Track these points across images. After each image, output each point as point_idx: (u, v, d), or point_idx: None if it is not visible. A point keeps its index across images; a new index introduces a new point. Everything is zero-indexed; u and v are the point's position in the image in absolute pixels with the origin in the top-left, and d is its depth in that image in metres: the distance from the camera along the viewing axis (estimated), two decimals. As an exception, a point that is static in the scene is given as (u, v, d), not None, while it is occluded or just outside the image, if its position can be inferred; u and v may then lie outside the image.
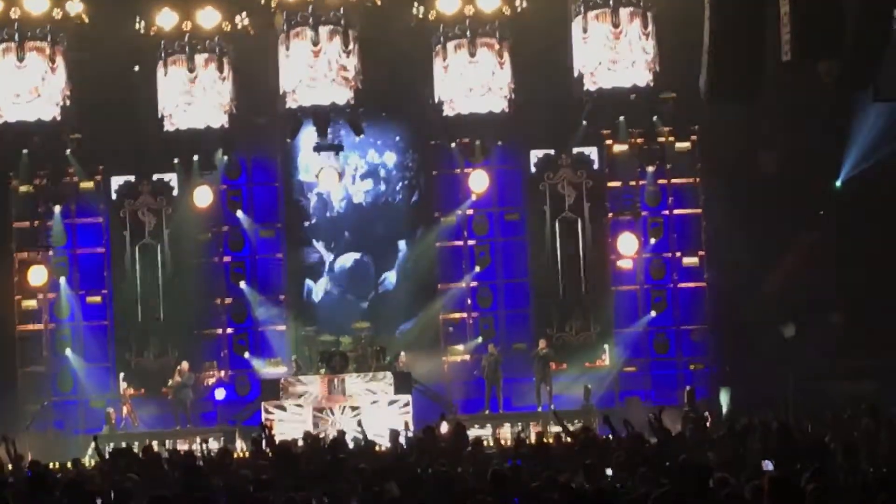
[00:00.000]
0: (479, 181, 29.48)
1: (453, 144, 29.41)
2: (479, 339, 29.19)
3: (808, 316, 27.47)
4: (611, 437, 16.94)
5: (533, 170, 29.86)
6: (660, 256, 29.48)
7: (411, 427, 24.36)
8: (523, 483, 12.19)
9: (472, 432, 22.28)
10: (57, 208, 29.36)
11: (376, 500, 12.20)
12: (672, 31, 26.20)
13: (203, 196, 29.49)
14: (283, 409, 26.69)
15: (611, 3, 26.84)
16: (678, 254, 29.45)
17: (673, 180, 29.50)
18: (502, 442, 22.85)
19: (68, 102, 27.35)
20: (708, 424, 21.84)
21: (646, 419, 17.75)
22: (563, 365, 28.53)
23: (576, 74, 27.25)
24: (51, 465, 19.12)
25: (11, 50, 27.07)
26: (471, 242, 29.94)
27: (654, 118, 28.69)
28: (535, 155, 29.82)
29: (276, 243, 30.37)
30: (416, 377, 27.53)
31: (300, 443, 20.54)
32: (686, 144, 29.35)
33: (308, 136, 28.98)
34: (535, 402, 27.40)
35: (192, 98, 27.83)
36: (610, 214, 29.58)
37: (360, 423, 22.39)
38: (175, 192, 29.81)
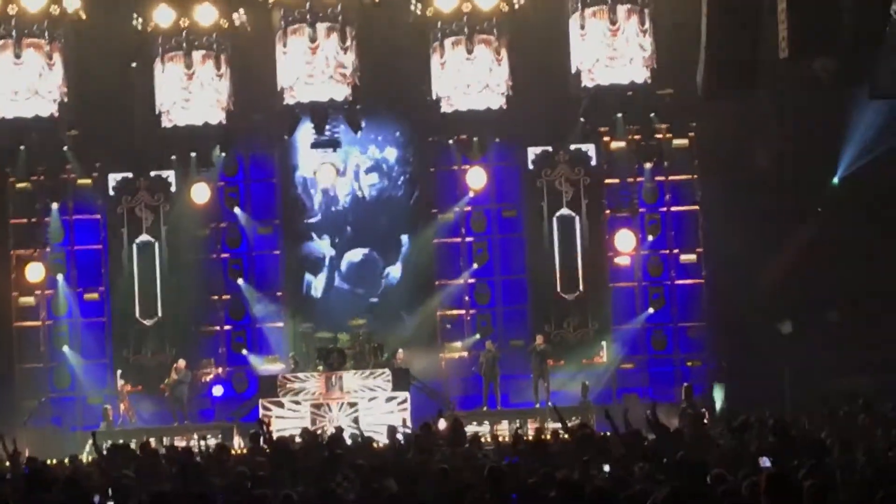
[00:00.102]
0: (476, 178, 29.47)
1: (451, 141, 29.40)
2: (477, 336, 29.19)
3: (806, 313, 27.51)
4: (608, 433, 16.93)
5: (530, 166, 29.82)
6: (657, 253, 29.48)
7: (409, 424, 24.37)
8: (521, 479, 12.20)
9: (470, 429, 22.28)
10: (54, 205, 29.37)
11: (374, 497, 12.18)
12: (669, 28, 26.25)
13: (201, 193, 29.49)
14: (280, 405, 26.68)
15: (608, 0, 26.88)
16: (676, 251, 29.46)
17: (670, 177, 29.49)
18: (500, 438, 22.83)
19: (66, 99, 27.33)
20: (706, 421, 21.84)
21: (643, 416, 17.74)
22: (561, 362, 28.52)
23: (573, 71, 27.26)
24: (48, 462, 19.11)
25: (9, 47, 27.04)
26: (469, 239, 29.94)
27: (652, 115, 28.67)
28: (533, 152, 29.78)
29: (273, 240, 30.34)
30: (414, 374, 27.51)
31: (298, 439, 20.54)
32: (683, 141, 29.33)
33: (306, 132, 28.98)
34: (532, 398, 27.39)
35: (190, 95, 27.83)
36: (607, 211, 29.59)
37: (356, 421, 22.39)
38: (173, 189, 29.79)
